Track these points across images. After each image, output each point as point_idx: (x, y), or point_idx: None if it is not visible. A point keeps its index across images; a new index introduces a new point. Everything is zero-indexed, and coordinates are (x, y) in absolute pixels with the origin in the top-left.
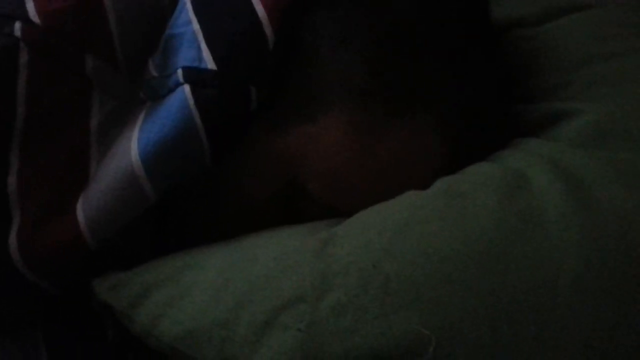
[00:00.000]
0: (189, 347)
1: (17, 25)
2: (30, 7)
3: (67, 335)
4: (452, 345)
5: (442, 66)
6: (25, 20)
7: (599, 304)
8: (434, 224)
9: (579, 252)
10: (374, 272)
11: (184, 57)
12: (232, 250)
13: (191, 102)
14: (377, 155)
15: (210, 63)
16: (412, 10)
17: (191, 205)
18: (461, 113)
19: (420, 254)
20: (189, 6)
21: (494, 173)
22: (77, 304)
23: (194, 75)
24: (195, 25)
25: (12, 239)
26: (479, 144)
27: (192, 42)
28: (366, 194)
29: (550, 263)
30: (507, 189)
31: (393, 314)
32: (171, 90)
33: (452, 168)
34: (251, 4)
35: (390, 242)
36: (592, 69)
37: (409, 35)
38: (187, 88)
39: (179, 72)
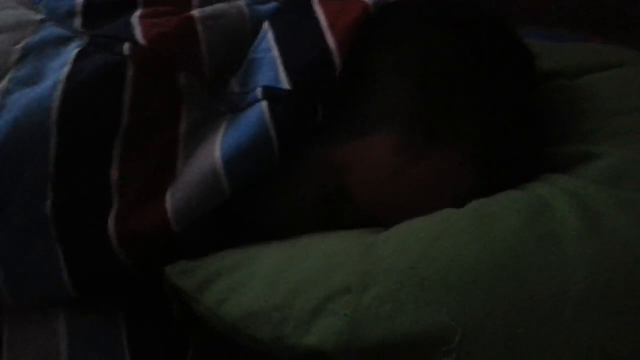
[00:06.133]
0: (249, 327)
1: (126, 46)
2: (137, 31)
3: (141, 312)
4: (475, 338)
5: (484, 104)
6: (133, 41)
7: (601, 315)
8: (465, 237)
9: (588, 270)
10: (410, 273)
11: (263, 78)
12: (287, 247)
13: (267, 115)
14: (415, 175)
15: (286, 84)
16: (457, 54)
17: (252, 204)
18: (496, 146)
19: (451, 260)
20: (270, 35)
21: (521, 199)
22: (151, 286)
23: (272, 93)
24: (275, 52)
25: (111, 221)
26: (511, 175)
27: (271, 65)
28: (402, 208)
29: (562, 277)
30: (531, 213)
31: (425, 307)
32: (250, 104)
33: (484, 193)
34: (324, 37)
35: (426, 249)
36: (618, 120)
37: (454, 77)
38: (264, 104)
39: (259, 90)
